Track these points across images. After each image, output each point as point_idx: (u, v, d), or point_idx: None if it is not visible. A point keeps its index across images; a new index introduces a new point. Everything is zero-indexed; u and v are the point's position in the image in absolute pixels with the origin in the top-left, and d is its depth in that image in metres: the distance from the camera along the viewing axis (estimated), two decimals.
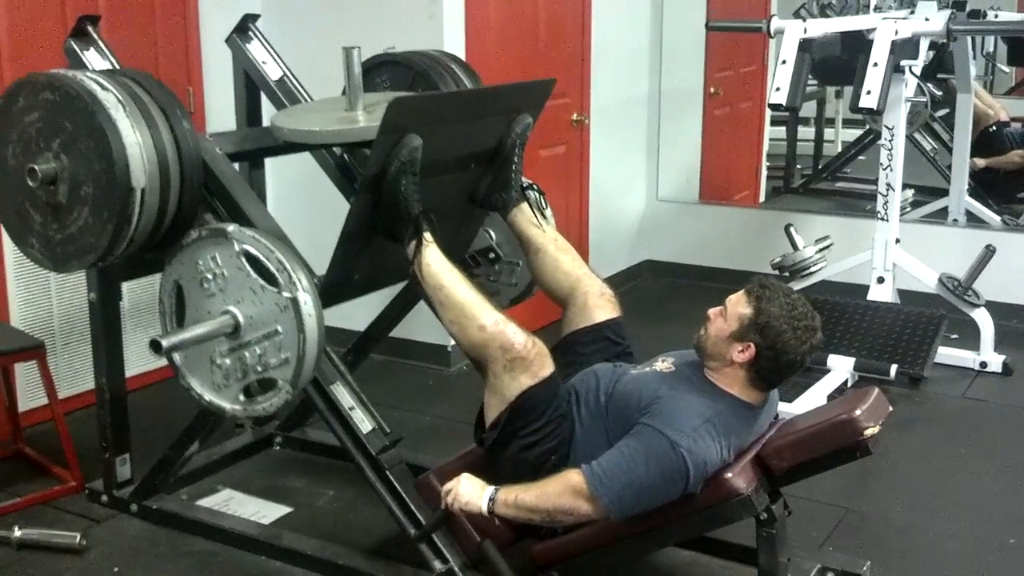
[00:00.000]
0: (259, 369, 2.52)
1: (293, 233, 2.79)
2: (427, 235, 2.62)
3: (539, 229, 2.96)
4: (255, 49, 3.31)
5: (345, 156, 3.32)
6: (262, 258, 2.47)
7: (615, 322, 2.87)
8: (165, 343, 2.46)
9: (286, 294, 2.44)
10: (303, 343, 2.44)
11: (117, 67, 2.93)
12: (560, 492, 2.41)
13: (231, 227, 2.52)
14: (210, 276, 2.53)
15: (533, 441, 2.55)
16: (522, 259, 3.15)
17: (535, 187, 3.07)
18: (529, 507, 2.45)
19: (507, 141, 2.91)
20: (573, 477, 2.41)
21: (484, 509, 2.48)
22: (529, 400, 2.53)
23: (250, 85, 3.35)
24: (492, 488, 2.49)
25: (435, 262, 2.62)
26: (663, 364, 2.63)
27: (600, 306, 2.87)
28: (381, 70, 3.36)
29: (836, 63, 4.90)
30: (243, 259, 2.49)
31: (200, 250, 2.55)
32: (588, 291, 2.89)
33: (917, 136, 6.33)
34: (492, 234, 3.28)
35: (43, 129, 2.51)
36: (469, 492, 2.50)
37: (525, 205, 2.98)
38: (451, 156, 2.81)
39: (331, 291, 2.68)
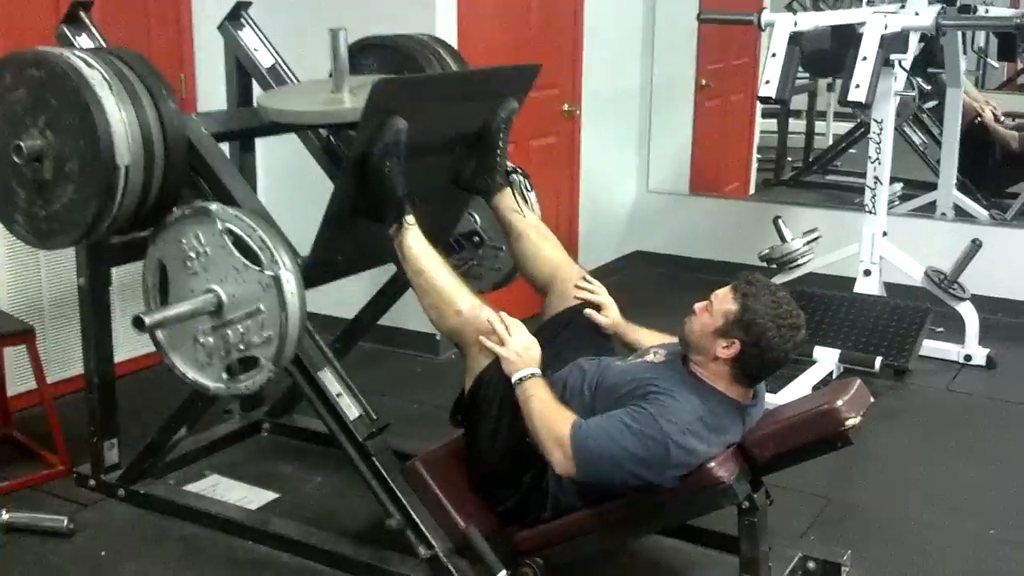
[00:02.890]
0: (241, 347, 2.54)
1: (283, 215, 2.80)
2: (409, 218, 2.65)
3: (520, 215, 2.98)
4: (247, 36, 3.32)
5: (331, 138, 3.33)
6: (245, 237, 2.48)
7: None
8: (148, 320, 2.47)
9: (268, 273, 2.45)
10: (285, 322, 2.46)
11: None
12: (549, 428, 2.45)
13: (214, 205, 2.53)
14: (193, 254, 2.55)
15: (498, 420, 2.59)
16: (505, 244, 3.16)
17: (519, 171, 3.08)
18: (528, 414, 2.49)
19: (492, 125, 2.92)
20: (564, 427, 2.43)
21: (513, 377, 2.53)
22: (492, 373, 2.57)
23: (242, 72, 3.36)
24: (533, 371, 2.53)
25: (416, 245, 2.65)
26: (653, 356, 2.65)
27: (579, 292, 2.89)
28: (368, 53, 3.36)
29: (827, 54, 4.91)
30: (226, 237, 2.50)
31: (183, 228, 2.56)
32: (567, 278, 2.91)
33: (906, 130, 6.34)
34: (477, 218, 3.29)
35: (29, 106, 2.52)
36: (518, 352, 2.54)
37: (508, 190, 2.99)
38: (436, 139, 2.82)
39: (314, 271, 2.69)
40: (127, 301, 4.05)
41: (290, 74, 3.32)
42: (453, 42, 4.25)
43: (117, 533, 3.07)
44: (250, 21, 3.33)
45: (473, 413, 2.66)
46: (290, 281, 2.46)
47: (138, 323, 2.47)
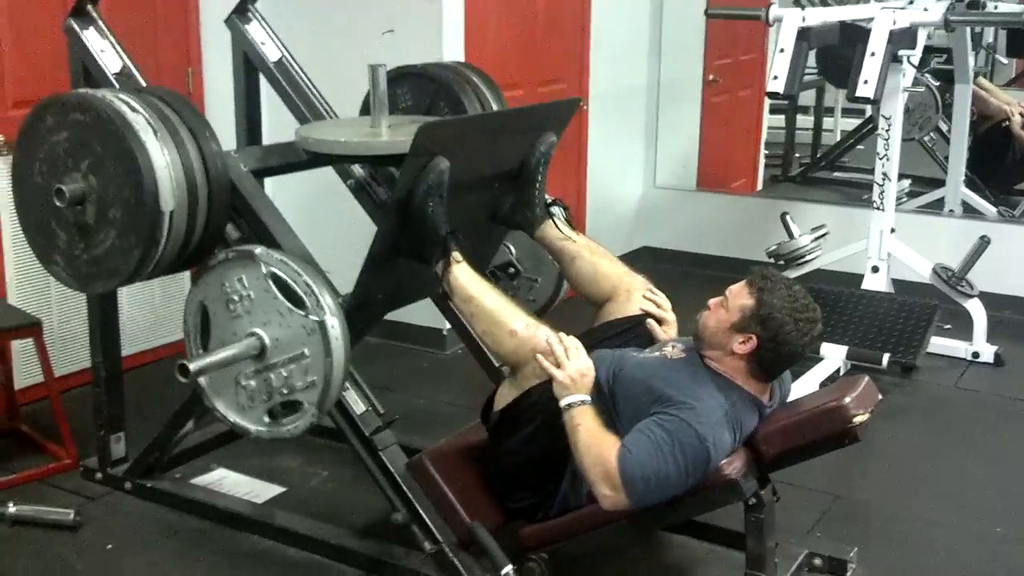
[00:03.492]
0: (284, 391, 2.50)
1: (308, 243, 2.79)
2: (456, 254, 2.63)
3: (570, 241, 2.95)
4: (254, 30, 3.32)
5: (366, 178, 3.31)
6: (289, 281, 2.44)
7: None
8: (193, 367, 2.42)
9: (313, 317, 2.42)
10: (330, 367, 2.42)
11: (116, 46, 2.93)
12: (595, 462, 2.39)
13: (259, 249, 2.49)
14: (236, 298, 2.51)
15: (534, 435, 2.56)
16: (540, 276, 3.19)
17: (559, 202, 3.05)
18: (575, 443, 2.43)
19: (531, 160, 2.90)
20: (610, 460, 2.36)
21: (563, 401, 2.46)
22: (542, 391, 2.53)
23: (249, 66, 3.36)
24: (584, 398, 2.46)
25: (463, 277, 2.62)
26: (672, 350, 2.63)
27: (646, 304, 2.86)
28: (402, 82, 3.35)
29: (841, 63, 4.90)
30: (270, 281, 2.46)
31: (227, 271, 2.52)
32: (631, 288, 2.88)
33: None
34: (512, 249, 3.30)
35: (71, 149, 2.48)
36: (573, 377, 2.47)
37: (550, 221, 2.96)
38: (476, 176, 2.81)
39: (354, 313, 2.64)
40: (134, 294, 4.06)
41: (297, 68, 3.32)
42: (460, 37, 4.26)
43: (123, 526, 3.08)
44: (257, 15, 3.33)
45: (511, 422, 2.61)
46: (335, 327, 2.42)
47: (183, 371, 2.41)
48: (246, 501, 3.19)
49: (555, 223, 2.96)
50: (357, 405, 2.74)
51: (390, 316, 3.62)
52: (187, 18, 4.25)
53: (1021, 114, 6.29)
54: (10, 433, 3.58)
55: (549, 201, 3.01)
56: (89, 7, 2.94)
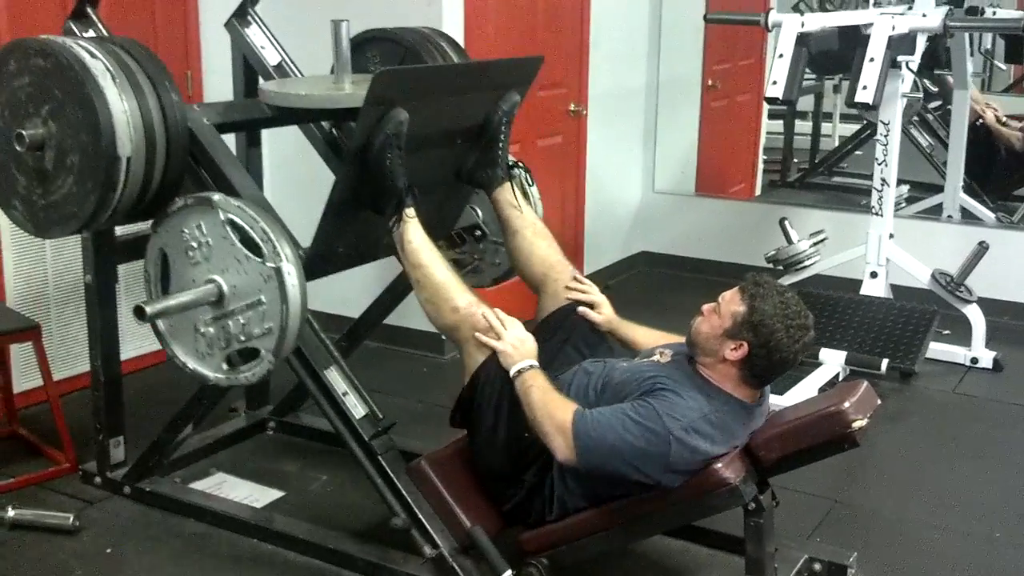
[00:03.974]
0: (242, 338, 2.54)
1: (288, 208, 2.80)
2: (409, 211, 2.65)
3: (518, 211, 2.97)
4: (254, 34, 3.32)
5: (333, 131, 3.33)
6: (247, 227, 2.48)
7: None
8: (149, 309, 2.46)
9: (270, 264, 2.45)
10: (286, 313, 2.45)
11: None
12: (551, 415, 2.44)
13: (216, 196, 2.53)
14: (195, 244, 2.55)
15: (496, 415, 2.58)
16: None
17: (521, 165, 3.07)
18: (529, 403, 2.49)
19: (494, 118, 2.92)
20: (566, 414, 2.43)
21: (511, 370, 2.53)
22: (489, 369, 2.57)
23: (248, 70, 3.36)
24: (531, 362, 2.54)
25: (415, 239, 2.66)
26: (660, 356, 2.64)
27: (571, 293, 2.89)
28: (371, 45, 3.36)
29: (833, 54, 4.90)
30: (228, 228, 2.49)
31: (185, 218, 2.56)
32: (559, 278, 2.91)
33: (913, 132, 6.34)
34: (479, 212, 3.29)
35: (33, 94, 2.52)
36: (514, 344, 2.55)
37: (508, 184, 2.98)
38: (437, 131, 2.82)
39: (315, 263, 2.70)
40: (133, 298, 4.05)
41: (297, 71, 3.32)
42: (459, 39, 4.25)
43: (122, 530, 3.07)
44: (257, 18, 3.33)
45: (472, 411, 2.66)
46: (292, 273, 2.45)
47: (139, 312, 2.46)
48: (245, 505, 3.18)
49: (512, 187, 2.98)
50: (356, 409, 2.74)
51: (389, 320, 3.65)
52: (186, 21, 4.26)
53: (990, 107, 6.30)
54: (9, 437, 3.57)
55: (512, 163, 3.02)
56: (88, 9, 2.95)
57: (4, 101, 2.58)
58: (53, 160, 2.53)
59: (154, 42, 4.12)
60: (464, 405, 2.68)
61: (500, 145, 2.95)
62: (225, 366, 2.60)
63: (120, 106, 2.46)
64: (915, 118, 6.24)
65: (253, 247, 2.48)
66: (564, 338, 2.82)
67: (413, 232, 2.66)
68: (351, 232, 2.81)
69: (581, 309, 2.86)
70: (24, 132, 2.51)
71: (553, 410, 2.46)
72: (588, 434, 2.40)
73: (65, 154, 2.51)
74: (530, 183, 3.11)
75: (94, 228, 2.63)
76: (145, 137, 2.51)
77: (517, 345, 2.56)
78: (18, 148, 2.53)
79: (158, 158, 2.55)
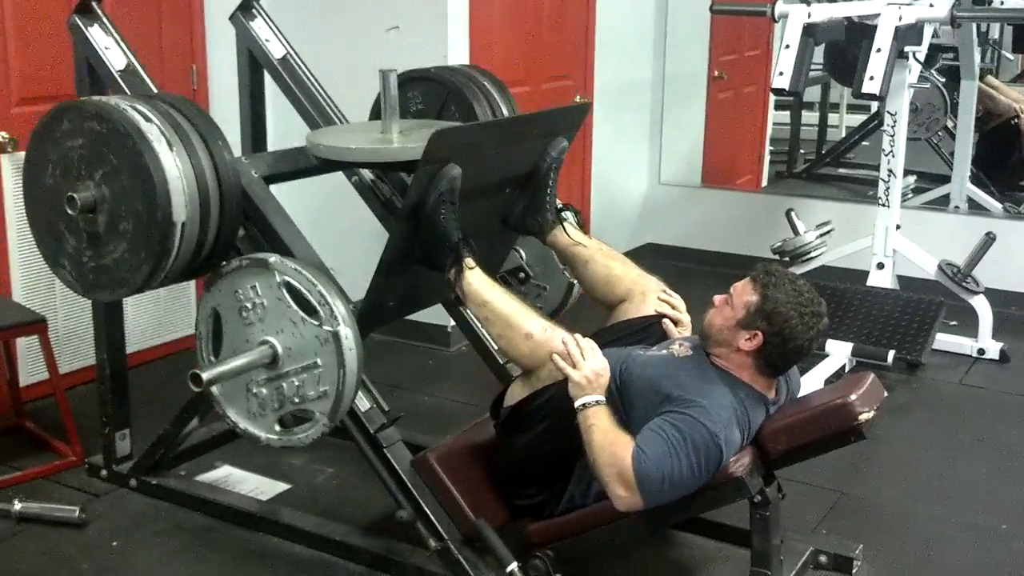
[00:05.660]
0: (296, 400, 2.49)
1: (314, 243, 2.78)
2: (468, 260, 2.61)
3: (581, 246, 2.94)
4: (259, 27, 3.31)
5: (376, 181, 3.31)
6: (303, 290, 2.43)
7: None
8: (205, 376, 2.39)
9: (327, 327, 2.41)
10: (343, 377, 2.42)
11: (121, 43, 2.92)
12: (610, 461, 2.38)
13: (272, 258, 2.48)
14: (249, 305, 2.49)
15: (546, 433, 2.55)
16: (550, 283, 3.20)
17: (570, 207, 3.03)
18: (589, 442, 2.42)
19: (542, 165, 2.89)
20: (625, 459, 2.36)
21: (577, 401, 2.45)
22: (557, 390, 2.52)
23: (253, 63, 3.35)
24: (598, 398, 2.45)
25: (476, 282, 2.61)
26: (679, 348, 2.62)
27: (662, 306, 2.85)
28: (412, 86, 3.34)
29: (851, 61, 4.88)
30: (284, 290, 2.45)
31: (240, 279, 2.50)
32: (646, 289, 2.87)
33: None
34: (522, 254, 3.29)
35: (86, 157, 2.47)
36: (589, 377, 2.46)
37: (559, 227, 2.95)
38: (488, 182, 2.81)
39: (366, 319, 2.64)
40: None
41: (302, 65, 3.32)
42: (465, 33, 4.26)
43: (129, 523, 3.08)
44: (261, 11, 3.33)
45: (522, 419, 2.61)
46: (348, 337, 2.41)
47: (196, 380, 2.39)
48: (251, 498, 3.19)
49: (565, 228, 2.95)
50: (362, 402, 2.73)
51: None
52: (191, 15, 4.25)
53: None
54: (16, 430, 3.59)
55: (560, 206, 3.00)
56: (94, 4, 2.94)
57: (56, 160, 2.53)
58: (105, 224, 2.48)
59: (159, 35, 4.13)
60: (519, 406, 2.62)
61: (548, 191, 2.92)
62: (278, 427, 2.55)
63: (175, 172, 2.40)
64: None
65: (309, 309, 2.43)
66: (639, 341, 2.75)
67: (474, 277, 2.61)
68: (401, 286, 2.79)
69: (666, 323, 2.81)
70: (76, 195, 2.45)
71: (611, 455, 2.37)
72: (650, 477, 2.34)
73: (118, 220, 2.45)
74: (579, 226, 3.03)
75: (144, 291, 2.58)
76: (200, 200, 2.45)
77: (591, 378, 2.46)
78: (69, 211, 2.48)
79: (211, 219, 2.49)
